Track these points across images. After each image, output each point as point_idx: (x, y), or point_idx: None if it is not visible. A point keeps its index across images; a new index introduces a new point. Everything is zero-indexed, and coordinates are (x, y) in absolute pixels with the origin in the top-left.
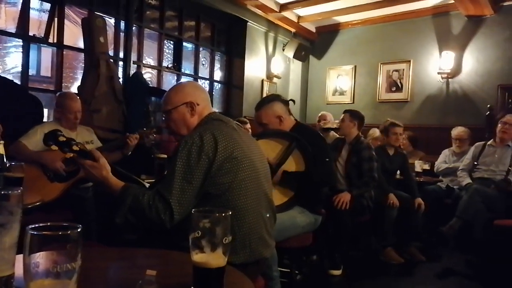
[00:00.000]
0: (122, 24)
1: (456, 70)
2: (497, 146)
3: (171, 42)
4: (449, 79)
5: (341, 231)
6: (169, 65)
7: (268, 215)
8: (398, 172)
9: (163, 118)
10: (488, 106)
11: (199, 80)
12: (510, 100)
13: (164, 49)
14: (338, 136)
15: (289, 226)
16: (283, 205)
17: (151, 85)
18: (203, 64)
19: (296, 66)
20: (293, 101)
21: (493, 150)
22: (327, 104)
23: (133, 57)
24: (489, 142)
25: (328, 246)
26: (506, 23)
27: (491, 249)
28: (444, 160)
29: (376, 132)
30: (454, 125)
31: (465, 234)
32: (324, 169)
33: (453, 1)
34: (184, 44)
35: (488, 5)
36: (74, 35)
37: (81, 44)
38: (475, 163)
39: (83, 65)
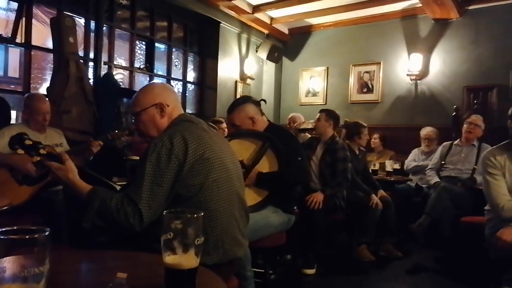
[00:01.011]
0: (93, 24)
1: (424, 72)
2: (463, 145)
3: (143, 42)
4: (418, 81)
5: (314, 230)
6: (141, 66)
7: (240, 215)
8: None
9: (133, 120)
10: (455, 106)
11: (172, 81)
12: (475, 101)
13: (136, 50)
14: (311, 136)
15: (263, 226)
16: (257, 205)
17: (122, 86)
18: (176, 65)
19: (269, 67)
20: (264, 100)
21: (459, 150)
22: (300, 105)
23: (104, 57)
24: (455, 142)
25: (302, 245)
26: (471, 26)
27: (458, 245)
28: (413, 158)
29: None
30: (422, 125)
31: (434, 231)
32: (297, 169)
33: (420, 5)
34: (157, 44)
35: (454, 9)
36: (42, 35)
37: (50, 44)
38: (443, 162)
39: (52, 66)
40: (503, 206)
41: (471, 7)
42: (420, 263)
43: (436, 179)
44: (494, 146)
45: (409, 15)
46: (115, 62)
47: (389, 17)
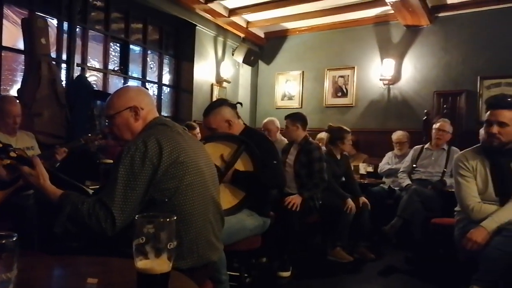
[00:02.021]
0: (65, 25)
1: (396, 77)
2: (433, 149)
3: (117, 44)
4: (390, 85)
5: (289, 233)
6: (116, 68)
7: (215, 219)
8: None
9: (106, 123)
10: (425, 111)
11: (147, 83)
12: (444, 106)
13: (110, 52)
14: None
15: (238, 230)
16: (232, 209)
17: (96, 89)
18: (151, 68)
19: (246, 71)
20: (241, 103)
21: (430, 153)
22: (276, 108)
23: (77, 59)
24: (426, 146)
25: (277, 248)
26: (441, 33)
27: (428, 246)
28: (387, 162)
29: (323, 135)
30: (394, 129)
31: (405, 232)
32: (273, 172)
33: (392, 12)
34: (131, 46)
35: (424, 16)
36: (13, 36)
37: (21, 45)
38: (414, 165)
39: (23, 67)
40: (473, 207)
41: (440, 15)
42: (392, 264)
43: (408, 181)
44: (467, 149)
45: (382, 21)
46: (88, 64)
47: (363, 23)
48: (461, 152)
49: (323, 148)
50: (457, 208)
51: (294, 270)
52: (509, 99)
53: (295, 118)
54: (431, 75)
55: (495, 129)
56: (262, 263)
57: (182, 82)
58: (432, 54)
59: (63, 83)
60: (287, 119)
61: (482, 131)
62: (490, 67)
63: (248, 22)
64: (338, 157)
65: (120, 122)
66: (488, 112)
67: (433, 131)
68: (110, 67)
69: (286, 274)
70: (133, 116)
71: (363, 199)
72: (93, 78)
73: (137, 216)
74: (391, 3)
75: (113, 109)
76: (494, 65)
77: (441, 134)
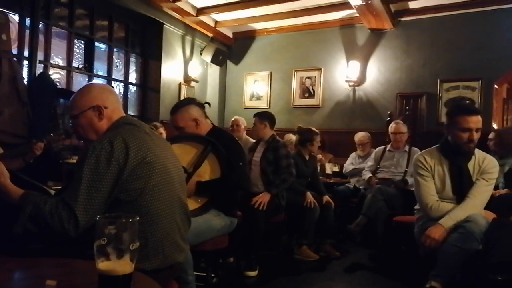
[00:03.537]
0: (28, 21)
1: (361, 79)
2: (395, 150)
3: (82, 41)
4: (355, 87)
5: (256, 232)
6: (80, 66)
7: (182, 220)
8: None
9: (70, 124)
10: (388, 112)
11: (113, 82)
12: (407, 107)
13: (75, 49)
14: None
15: (205, 230)
16: (199, 209)
17: (59, 86)
18: (117, 66)
19: (214, 71)
20: (209, 103)
21: (392, 154)
22: (244, 108)
23: (40, 56)
24: (388, 147)
25: (244, 248)
26: (404, 37)
27: (391, 243)
28: (351, 162)
29: (291, 137)
30: (360, 129)
31: (369, 230)
32: (239, 174)
33: (357, 15)
34: (97, 44)
35: (388, 20)
36: None
37: None
38: (378, 166)
39: None
40: (431, 206)
41: (403, 19)
42: (357, 261)
43: (369, 174)
44: (425, 150)
45: (347, 24)
46: (51, 61)
47: (329, 25)
48: (420, 152)
49: (292, 150)
50: (417, 207)
51: (261, 269)
52: (467, 102)
53: (264, 116)
54: (394, 78)
55: (475, 135)
56: (229, 263)
57: (149, 81)
58: (395, 57)
59: (25, 80)
60: (255, 117)
61: (455, 134)
62: (449, 71)
63: (216, 22)
64: (307, 157)
65: (84, 122)
66: (464, 118)
67: (390, 135)
68: (74, 64)
69: (253, 273)
70: (97, 115)
71: (326, 198)
72: (56, 75)
73: (98, 216)
74: (356, 6)
75: (76, 109)
76: (453, 69)
77: (398, 137)
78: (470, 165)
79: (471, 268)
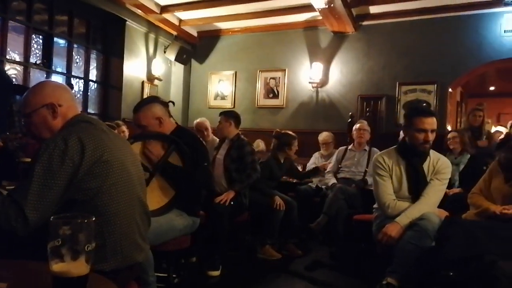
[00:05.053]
0: None
1: (324, 80)
2: (356, 150)
3: (40, 36)
4: (318, 88)
5: (219, 232)
6: (38, 62)
7: (142, 219)
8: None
9: (22, 122)
10: (350, 113)
11: (72, 78)
12: (367, 109)
13: (32, 44)
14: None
15: (167, 229)
16: (161, 209)
17: (16, 83)
18: (77, 62)
19: (178, 69)
20: (173, 102)
21: (353, 154)
22: (209, 108)
23: None
24: (349, 147)
25: (207, 248)
26: (364, 40)
27: (351, 241)
28: (314, 162)
29: (260, 145)
30: (322, 130)
31: (331, 228)
32: (202, 173)
33: (321, 18)
34: (56, 39)
35: (349, 23)
36: None
37: None
38: (339, 165)
39: None
40: (388, 204)
41: (364, 23)
42: (318, 260)
43: (333, 180)
44: (384, 151)
45: (311, 26)
46: (7, 57)
47: (293, 26)
48: (379, 153)
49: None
50: (375, 206)
51: (224, 269)
52: (424, 104)
53: (229, 115)
54: (356, 80)
55: (431, 136)
56: (191, 263)
57: (111, 78)
58: (357, 60)
59: None
60: (221, 115)
61: (412, 134)
62: (407, 74)
63: (180, 20)
64: (282, 161)
65: (37, 121)
66: (420, 120)
67: (354, 132)
68: (32, 60)
69: (216, 273)
70: (50, 114)
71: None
72: (12, 71)
73: (52, 217)
74: (319, 9)
75: (28, 107)
76: (411, 72)
77: (361, 132)
78: (425, 166)
79: (425, 264)
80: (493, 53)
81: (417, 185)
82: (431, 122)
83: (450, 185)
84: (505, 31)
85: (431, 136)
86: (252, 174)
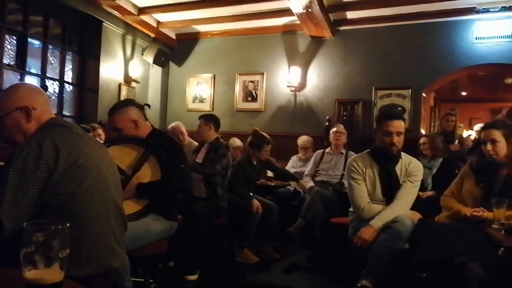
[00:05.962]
0: None
1: (302, 84)
2: (333, 153)
3: (14, 37)
4: (297, 92)
5: (196, 236)
6: (11, 63)
7: (117, 224)
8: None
9: None
10: (327, 117)
11: (47, 80)
12: (344, 113)
13: (6, 45)
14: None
15: (143, 234)
16: (137, 213)
17: None
18: (52, 64)
19: (156, 72)
20: (149, 105)
21: (330, 157)
22: (187, 110)
23: None
24: (327, 150)
25: (184, 252)
26: (342, 45)
27: (327, 244)
28: (292, 165)
29: (236, 141)
30: (301, 134)
31: (308, 231)
32: (180, 176)
33: (299, 22)
34: (30, 40)
35: (327, 28)
36: None
37: None
38: (317, 169)
39: None
40: (363, 207)
41: (341, 28)
42: (296, 263)
43: (311, 183)
44: (358, 154)
45: (289, 31)
46: None
47: (272, 31)
48: (353, 157)
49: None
50: (351, 209)
51: (201, 273)
52: (399, 108)
53: (209, 118)
54: (333, 84)
55: (395, 138)
56: (169, 267)
57: (87, 80)
58: (334, 65)
59: None
60: (201, 118)
61: (380, 138)
62: (382, 79)
63: (158, 22)
64: (254, 162)
65: (11, 124)
66: (385, 123)
67: (331, 136)
68: (5, 61)
69: (193, 277)
70: (24, 117)
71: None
72: None
73: (25, 223)
74: (298, 14)
75: (1, 110)
76: (386, 77)
77: (338, 136)
78: (398, 168)
79: (398, 266)
80: (465, 60)
81: (390, 188)
82: (397, 125)
83: (423, 189)
84: (476, 38)
85: (397, 138)
86: (216, 165)
